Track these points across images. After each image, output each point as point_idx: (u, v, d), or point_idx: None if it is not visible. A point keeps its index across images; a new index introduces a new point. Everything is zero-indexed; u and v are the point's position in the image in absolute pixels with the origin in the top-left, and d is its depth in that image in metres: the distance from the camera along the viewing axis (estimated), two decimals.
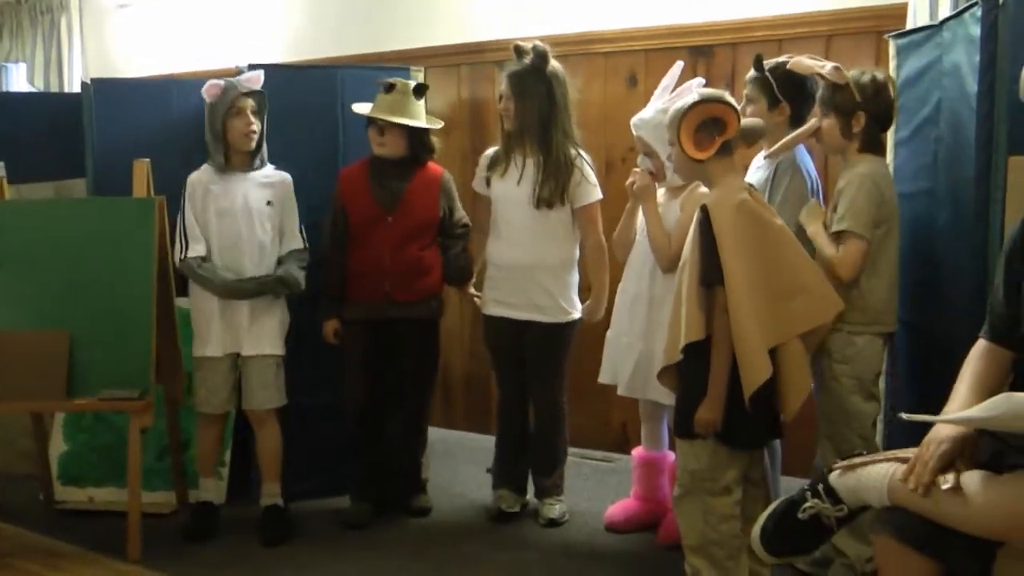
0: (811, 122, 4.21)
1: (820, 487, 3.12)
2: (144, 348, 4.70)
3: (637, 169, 4.59)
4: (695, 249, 3.73)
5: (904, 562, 2.87)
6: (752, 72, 4.42)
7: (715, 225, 3.67)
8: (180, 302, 5.14)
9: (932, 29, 4.28)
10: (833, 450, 4.00)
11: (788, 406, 3.80)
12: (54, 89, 8.70)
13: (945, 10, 4.46)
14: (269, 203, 4.94)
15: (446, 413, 6.73)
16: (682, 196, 4.48)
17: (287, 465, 5.07)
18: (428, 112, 5.13)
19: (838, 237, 3.98)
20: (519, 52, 4.84)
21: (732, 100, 3.83)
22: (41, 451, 5.29)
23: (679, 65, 4.64)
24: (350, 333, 5.03)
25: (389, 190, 4.94)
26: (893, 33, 4.64)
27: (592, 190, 4.87)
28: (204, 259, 4.87)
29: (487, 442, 5.72)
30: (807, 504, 3.12)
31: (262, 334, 4.91)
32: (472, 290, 5.27)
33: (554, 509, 5.08)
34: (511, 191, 4.88)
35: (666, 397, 4.23)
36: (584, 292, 5.04)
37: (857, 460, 3.07)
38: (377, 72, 5.17)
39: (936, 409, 2.99)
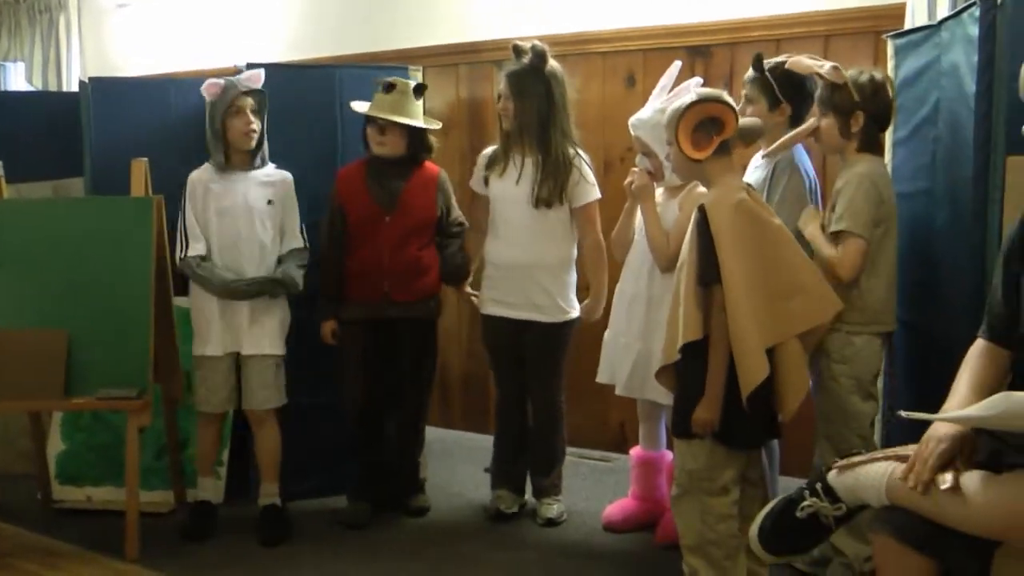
0: (809, 121, 4.21)
1: (818, 486, 3.12)
2: (142, 347, 4.69)
3: (635, 169, 4.59)
4: (693, 248, 3.73)
5: (903, 561, 2.87)
6: (751, 72, 4.42)
7: (713, 225, 3.67)
8: (180, 301, 5.14)
9: (930, 29, 4.28)
10: (831, 450, 4.00)
11: (786, 406, 3.80)
12: (52, 88, 8.69)
13: (943, 10, 4.46)
14: (270, 202, 4.93)
15: (444, 413, 6.73)
16: (680, 196, 4.48)
17: (286, 464, 5.07)
18: (426, 112, 5.14)
19: (836, 237, 3.98)
20: (517, 52, 4.84)
21: (730, 100, 3.83)
22: (39, 450, 5.28)
23: (677, 65, 4.65)
24: (349, 333, 5.02)
25: (388, 190, 4.93)
26: (891, 33, 4.64)
27: (590, 190, 4.88)
28: (204, 258, 4.87)
29: (485, 442, 5.72)
30: (805, 503, 3.12)
31: (262, 334, 4.90)
32: (469, 289, 5.27)
33: (552, 509, 5.08)
34: (510, 190, 4.88)
35: (664, 397, 4.24)
36: (582, 291, 5.04)
37: (856, 459, 3.07)
38: (375, 72, 5.17)
39: (935, 408, 2.99)
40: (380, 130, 4.90)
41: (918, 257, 4.23)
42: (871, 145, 4.08)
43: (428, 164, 5.09)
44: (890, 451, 3.04)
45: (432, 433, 5.54)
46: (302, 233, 5.01)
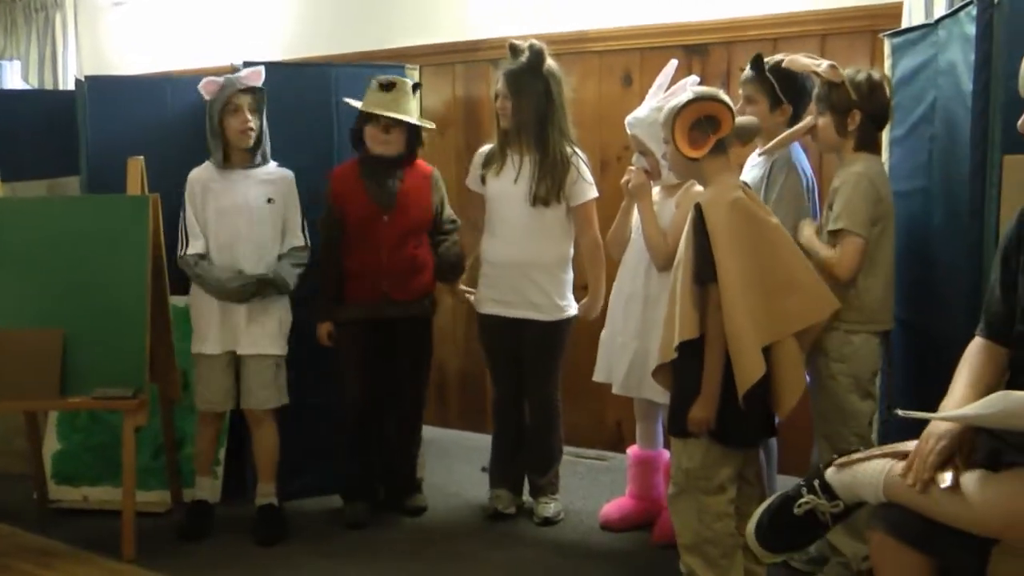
0: (806, 120, 4.21)
1: (816, 483, 3.12)
2: (138, 347, 4.70)
3: (632, 168, 4.58)
4: (689, 247, 3.73)
5: (900, 559, 2.87)
6: (749, 72, 4.41)
7: (709, 223, 3.67)
8: (177, 300, 5.13)
9: (927, 28, 4.28)
10: (830, 449, 3.99)
11: (783, 405, 3.80)
12: (48, 87, 8.68)
13: (940, 9, 4.47)
14: (270, 200, 4.92)
15: (441, 412, 6.72)
16: (678, 194, 4.48)
17: (283, 464, 5.06)
18: (420, 110, 5.15)
19: (834, 236, 3.98)
20: (514, 51, 4.84)
21: (726, 98, 3.83)
22: (35, 450, 5.27)
23: (673, 64, 4.64)
24: (347, 334, 5.02)
25: (385, 189, 4.93)
26: (888, 32, 4.64)
27: (588, 188, 4.87)
28: (202, 257, 4.86)
29: (482, 441, 5.72)
30: (803, 500, 3.12)
31: (260, 333, 4.89)
32: (463, 287, 5.27)
33: (549, 508, 5.08)
34: (507, 189, 4.87)
35: (661, 396, 4.23)
36: (580, 290, 5.04)
37: (855, 456, 3.07)
38: (372, 70, 5.15)
39: (932, 407, 3.00)
40: (384, 129, 4.89)
41: (915, 256, 4.23)
42: (868, 144, 4.08)
43: (420, 163, 5.10)
44: (888, 448, 3.03)
45: (429, 432, 5.53)
46: (304, 231, 5.00)
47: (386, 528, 5.05)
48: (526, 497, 5.24)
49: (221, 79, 4.86)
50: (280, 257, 4.95)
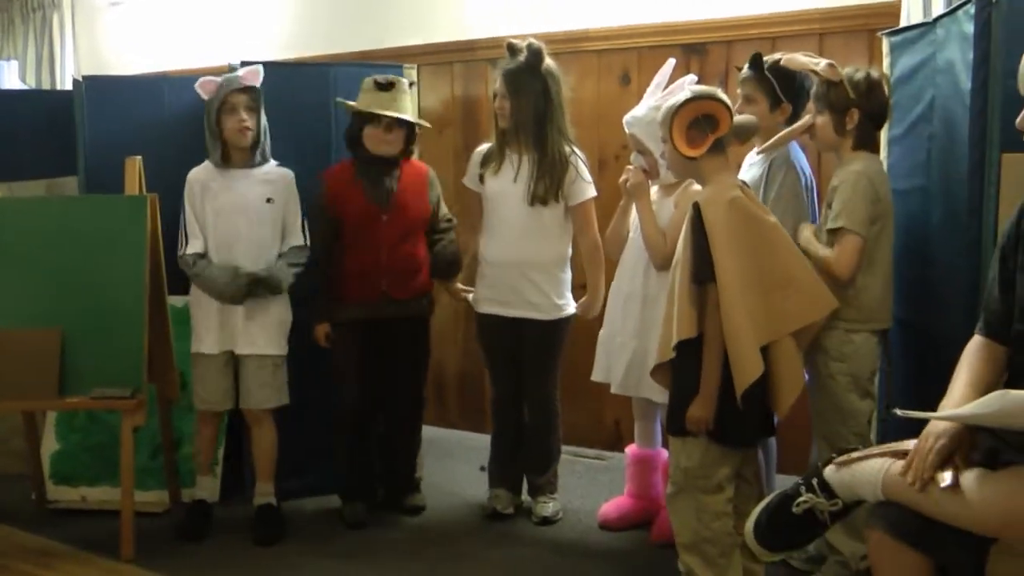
0: (805, 118, 4.20)
1: (814, 482, 3.12)
2: (136, 346, 4.70)
3: (630, 167, 4.58)
4: (687, 246, 3.73)
5: (898, 558, 2.87)
6: (748, 71, 4.41)
7: (707, 222, 3.67)
8: (174, 300, 5.13)
9: (925, 26, 4.28)
10: (828, 448, 3.98)
11: (781, 404, 3.80)
12: (46, 87, 8.68)
13: (938, 7, 4.47)
14: (269, 200, 4.91)
15: (440, 411, 6.72)
16: (676, 193, 4.48)
17: (281, 463, 5.06)
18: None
19: (833, 235, 3.98)
20: (512, 50, 4.84)
21: (724, 97, 3.83)
22: (33, 450, 5.26)
23: (671, 63, 4.64)
24: (345, 334, 5.00)
25: (382, 189, 4.92)
26: (886, 31, 4.64)
27: (587, 187, 4.87)
28: (201, 256, 4.86)
29: (481, 440, 5.72)
30: (801, 498, 3.12)
31: (258, 333, 4.88)
32: (460, 285, 5.27)
33: (547, 507, 5.08)
34: (506, 188, 4.87)
35: (659, 395, 4.23)
36: (579, 290, 5.03)
37: (854, 455, 3.07)
38: (370, 70, 5.14)
39: (931, 405, 2.99)
40: (387, 129, 4.89)
41: (914, 255, 4.23)
42: (866, 142, 4.08)
43: (415, 162, 5.11)
44: (886, 447, 3.03)
45: (428, 432, 5.52)
46: (304, 231, 4.99)
47: (385, 528, 5.05)
48: (525, 496, 5.24)
49: (219, 79, 4.86)
50: (280, 257, 4.94)
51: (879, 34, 4.72)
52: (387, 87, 4.88)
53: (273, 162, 4.99)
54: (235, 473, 5.28)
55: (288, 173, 4.99)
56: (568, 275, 4.99)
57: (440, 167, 5.29)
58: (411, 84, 5.03)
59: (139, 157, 4.99)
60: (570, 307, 4.99)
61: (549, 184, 4.79)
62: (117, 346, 4.71)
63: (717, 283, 3.63)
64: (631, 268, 4.66)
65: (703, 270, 3.65)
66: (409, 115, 4.92)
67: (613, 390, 4.74)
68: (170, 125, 5.42)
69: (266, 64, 5.04)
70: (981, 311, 3.15)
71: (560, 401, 5.12)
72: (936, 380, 3.22)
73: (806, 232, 4.12)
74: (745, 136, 4.01)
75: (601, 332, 4.82)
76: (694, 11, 5.71)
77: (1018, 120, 3.00)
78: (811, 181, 4.42)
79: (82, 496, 5.32)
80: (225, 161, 4.90)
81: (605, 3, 6.01)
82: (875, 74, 4.06)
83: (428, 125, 5.10)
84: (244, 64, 4.99)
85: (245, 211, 4.86)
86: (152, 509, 5.18)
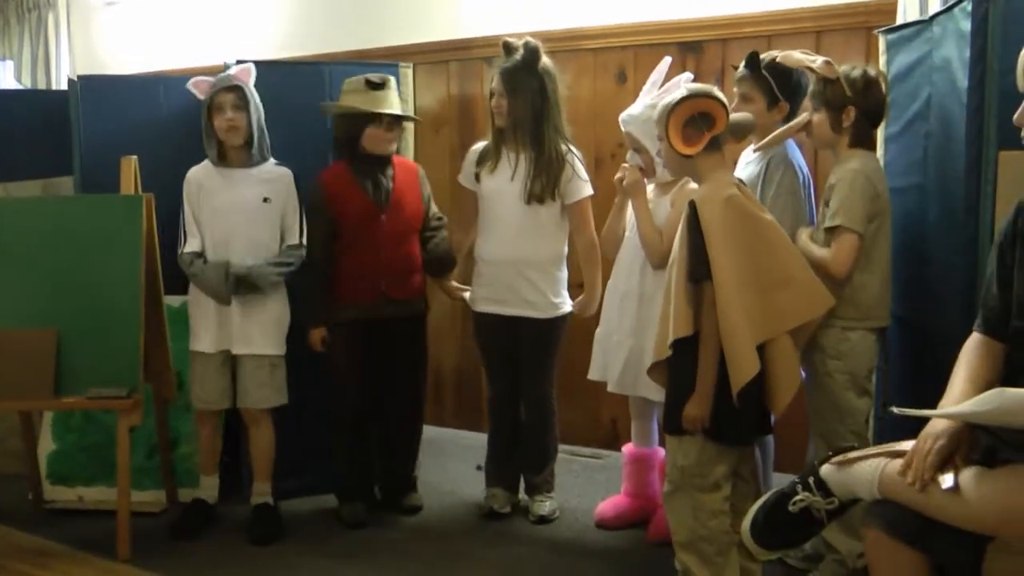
0: (802, 116, 4.20)
1: (811, 480, 3.12)
2: (132, 346, 4.70)
3: (626, 165, 4.58)
4: (683, 244, 3.72)
5: (895, 556, 2.87)
6: (744, 70, 4.40)
7: (703, 220, 3.67)
8: (170, 299, 5.14)
9: (922, 24, 4.28)
10: (826, 447, 3.98)
11: (777, 402, 3.80)
12: (41, 87, 8.67)
13: (935, 5, 4.46)
14: (266, 200, 4.89)
15: (437, 411, 6.71)
16: (672, 191, 4.48)
17: (280, 463, 5.06)
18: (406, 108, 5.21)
19: (831, 233, 3.97)
20: (508, 49, 4.83)
21: (720, 95, 3.83)
22: (30, 450, 5.27)
23: (667, 60, 4.64)
24: (343, 336, 4.98)
25: (380, 188, 4.92)
26: (883, 28, 4.64)
27: (583, 186, 4.87)
28: (198, 255, 4.85)
29: (477, 439, 5.72)
30: (798, 497, 3.12)
31: (256, 333, 4.87)
32: (454, 283, 5.27)
33: (544, 506, 5.08)
34: (503, 187, 4.86)
35: (656, 393, 4.24)
36: (576, 288, 5.03)
37: (852, 454, 3.06)
38: (365, 68, 5.14)
39: (928, 403, 2.99)
40: (388, 127, 4.90)
41: (911, 252, 4.23)
42: (863, 140, 4.08)
43: (404, 160, 5.14)
44: (883, 448, 3.03)
45: (424, 431, 5.50)
46: (301, 230, 4.96)
47: (382, 527, 5.05)
48: (521, 495, 5.24)
49: (211, 78, 4.86)
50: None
51: (876, 32, 4.72)
52: (380, 86, 4.88)
53: (272, 161, 4.98)
54: (233, 473, 5.27)
55: (287, 172, 4.97)
56: (564, 273, 4.99)
57: (436, 166, 5.29)
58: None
59: (135, 157, 4.99)
60: (567, 305, 4.98)
61: (546, 182, 4.79)
62: (113, 346, 4.71)
63: (713, 281, 3.63)
64: (627, 266, 4.66)
65: (699, 268, 3.65)
66: (408, 112, 4.91)
67: (610, 389, 4.74)
68: (166, 125, 5.41)
69: (263, 63, 5.05)
70: (979, 308, 3.14)
71: (557, 400, 5.12)
72: (933, 378, 3.22)
73: (803, 236, 4.12)
74: (742, 134, 4.01)
75: (598, 331, 4.82)
76: (690, 9, 5.70)
77: (1016, 116, 3.00)
78: (808, 179, 4.42)
79: (79, 496, 5.31)
80: (223, 160, 4.89)
81: (601, 1, 6.01)
82: (872, 72, 4.05)
83: (421, 120, 5.08)
84: (240, 63, 4.98)
85: (242, 210, 4.85)
86: (148, 509, 5.18)
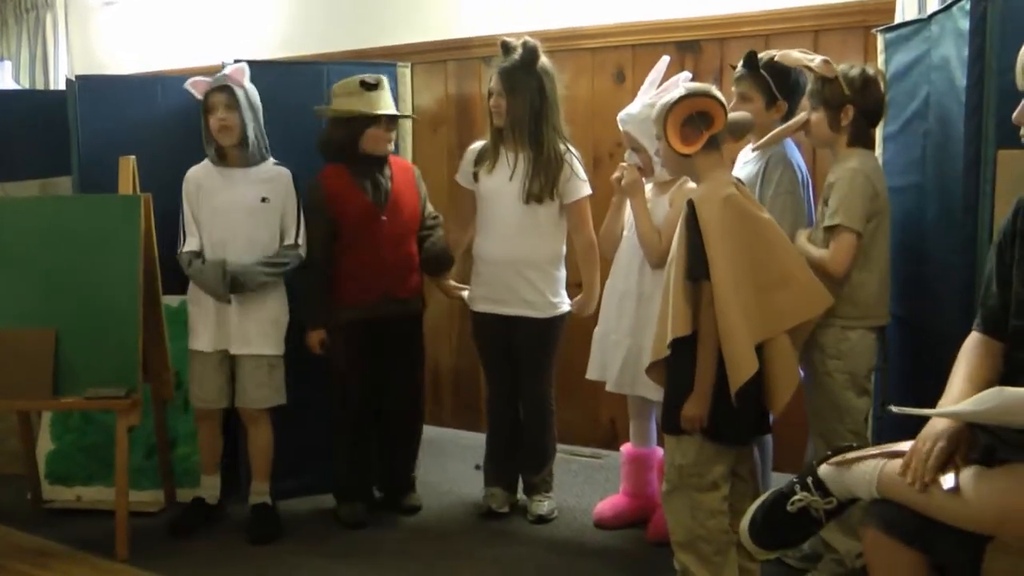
0: (800, 115, 4.20)
1: (809, 480, 3.12)
2: (130, 346, 4.69)
3: (624, 164, 4.58)
4: (682, 244, 3.72)
5: (893, 556, 2.86)
6: (742, 70, 4.40)
7: (701, 219, 3.67)
8: (168, 299, 5.14)
9: (920, 23, 4.27)
10: (825, 447, 3.97)
11: (776, 402, 3.80)
12: (39, 87, 8.68)
13: (933, 4, 4.46)
14: (264, 199, 4.88)
15: (435, 410, 6.69)
16: (671, 191, 4.48)
17: (279, 462, 5.06)
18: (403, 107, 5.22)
19: (830, 232, 3.97)
20: (506, 48, 4.83)
21: (719, 94, 3.83)
22: (28, 450, 5.27)
23: (665, 60, 4.64)
24: (343, 337, 4.97)
25: (381, 188, 4.92)
26: (881, 27, 4.64)
27: (582, 185, 4.86)
28: (197, 255, 4.85)
29: (476, 439, 5.72)
30: (796, 496, 3.12)
31: (254, 333, 4.87)
32: (452, 282, 5.27)
33: (543, 506, 5.08)
34: (501, 186, 4.86)
35: (654, 393, 4.23)
36: (574, 288, 5.03)
37: (850, 455, 3.06)
38: (363, 68, 5.13)
39: (927, 403, 2.99)
40: (387, 127, 4.90)
41: (909, 252, 4.22)
42: (861, 139, 4.07)
43: (399, 159, 5.15)
44: (881, 448, 3.02)
45: (423, 431, 5.51)
46: (298, 231, 4.94)
47: (380, 527, 5.04)
48: (520, 495, 5.23)
49: (209, 79, 4.86)
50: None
51: (874, 31, 4.71)
52: (375, 86, 4.87)
53: (271, 161, 4.97)
54: (231, 472, 5.26)
55: (285, 172, 4.96)
56: (563, 273, 4.99)
57: (434, 165, 5.28)
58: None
59: (133, 156, 4.99)
60: (565, 305, 4.98)
61: (544, 182, 4.78)
62: (111, 346, 4.71)
63: (711, 280, 3.63)
64: (626, 266, 4.65)
65: (697, 267, 3.65)
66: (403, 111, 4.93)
67: (608, 388, 4.74)
68: (164, 124, 5.41)
69: (261, 63, 5.05)
70: (978, 307, 3.14)
71: (555, 399, 5.12)
72: (932, 377, 3.22)
73: (801, 237, 4.11)
74: (740, 133, 4.01)
75: (596, 330, 4.82)
76: (688, 8, 5.70)
77: (1015, 114, 3.00)
78: (807, 178, 4.41)
79: (77, 496, 5.31)
80: (222, 160, 4.89)
81: (599, 1, 6.00)
82: (870, 70, 4.04)
83: (418, 118, 5.08)
84: (237, 63, 4.98)
85: (240, 210, 4.84)
86: (147, 509, 5.17)
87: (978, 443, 2.86)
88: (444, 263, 5.14)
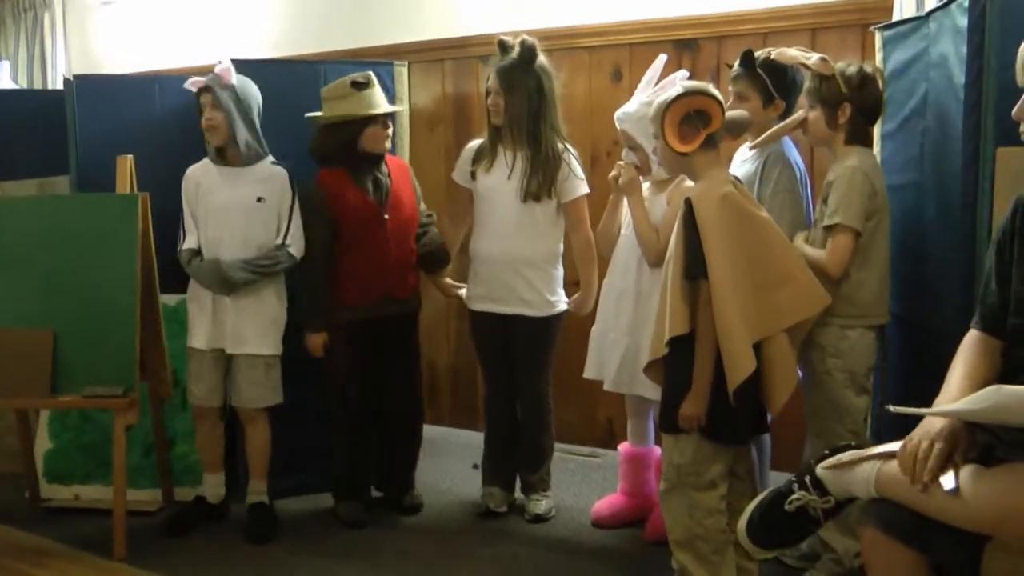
0: (798, 113, 4.20)
1: (807, 479, 3.11)
2: (128, 345, 4.69)
3: (621, 163, 4.57)
4: (679, 242, 3.72)
5: (891, 555, 2.86)
6: (739, 69, 4.39)
7: (699, 218, 3.67)
8: (166, 298, 5.14)
9: (918, 20, 4.27)
10: (823, 446, 3.94)
11: (774, 401, 3.80)
12: (37, 86, 8.68)
13: (931, 1, 4.46)
14: (260, 199, 4.86)
15: (433, 409, 6.69)
16: (668, 189, 4.48)
17: (275, 461, 5.05)
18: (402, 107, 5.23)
19: (829, 231, 3.96)
20: (504, 47, 4.83)
21: (716, 92, 3.82)
22: (26, 449, 5.27)
23: (662, 58, 4.63)
24: (343, 337, 4.95)
25: (381, 187, 4.92)
26: (879, 25, 4.64)
27: (579, 184, 4.86)
28: (196, 253, 4.86)
29: (474, 438, 5.72)
30: (794, 496, 3.11)
31: (251, 332, 4.86)
32: (449, 280, 5.27)
33: (540, 505, 5.07)
34: (499, 185, 4.86)
35: (652, 392, 4.23)
36: (572, 287, 5.02)
37: (846, 457, 3.05)
38: (361, 67, 5.12)
39: (926, 402, 2.98)
40: (384, 125, 4.89)
41: (907, 250, 4.22)
42: (859, 137, 4.06)
43: (394, 158, 5.16)
44: (878, 449, 3.02)
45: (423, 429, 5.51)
46: (288, 231, 4.91)
47: (378, 526, 5.04)
48: (518, 494, 5.23)
49: (201, 79, 4.87)
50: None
51: (872, 29, 4.71)
52: (367, 85, 4.86)
53: (269, 159, 4.96)
54: (229, 471, 5.25)
55: (282, 172, 4.94)
56: (560, 272, 4.99)
57: (431, 164, 5.27)
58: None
59: (130, 156, 4.98)
60: (562, 304, 4.98)
61: (542, 180, 4.78)
62: (109, 345, 4.71)
63: (709, 279, 3.63)
64: (623, 265, 4.65)
65: (695, 266, 3.65)
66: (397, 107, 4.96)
67: (606, 387, 4.73)
68: (161, 124, 5.43)
69: (257, 62, 5.04)
70: (977, 305, 3.14)
71: (553, 398, 5.12)
72: (930, 375, 3.21)
73: (798, 239, 4.11)
74: (738, 131, 4.01)
75: (594, 329, 4.82)
76: (685, 7, 5.70)
77: (1015, 110, 2.99)
78: (805, 176, 4.41)
79: (75, 495, 5.31)
80: (222, 159, 4.89)
81: None
82: (868, 68, 4.03)
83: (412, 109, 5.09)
84: (234, 63, 4.97)
85: (236, 209, 4.83)
86: (145, 508, 5.17)
87: (976, 442, 2.85)
88: (441, 260, 5.14)
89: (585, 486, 5.52)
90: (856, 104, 3.98)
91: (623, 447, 5.01)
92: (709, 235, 3.63)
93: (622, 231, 4.68)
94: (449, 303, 5.99)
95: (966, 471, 2.74)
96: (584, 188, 4.88)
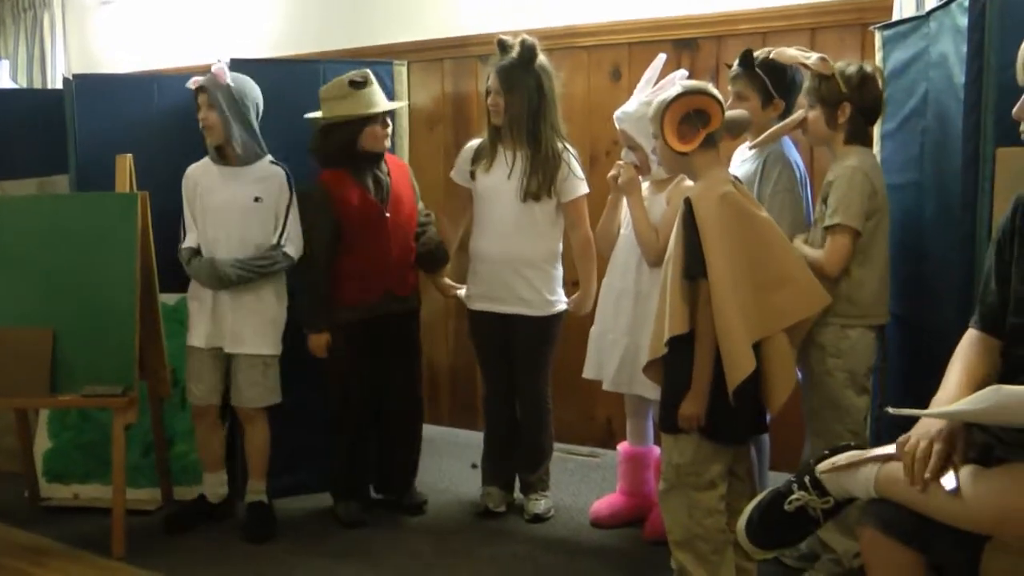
0: (797, 113, 4.19)
1: (806, 479, 3.11)
2: (127, 344, 4.69)
3: (620, 162, 4.57)
4: (679, 242, 3.72)
5: (890, 555, 2.86)
6: (738, 68, 4.39)
7: (698, 218, 3.66)
8: (165, 298, 5.14)
9: (918, 20, 4.26)
10: (823, 446, 3.94)
11: (773, 401, 3.79)
12: (37, 86, 8.68)
13: (931, 1, 4.45)
14: (257, 199, 4.86)
15: (432, 409, 6.67)
16: (668, 189, 4.47)
17: (274, 460, 5.05)
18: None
19: (829, 231, 3.96)
20: (503, 47, 4.82)
21: (716, 92, 3.82)
22: (26, 448, 5.27)
23: (661, 57, 4.63)
24: (344, 337, 4.94)
25: (383, 186, 4.92)
26: (879, 24, 4.63)
27: (579, 184, 4.86)
28: (196, 252, 4.86)
29: (473, 437, 5.72)
30: (793, 496, 3.11)
31: (250, 332, 4.85)
32: (448, 280, 5.26)
33: (539, 504, 5.07)
34: (499, 185, 4.85)
35: (651, 391, 4.23)
36: (570, 286, 5.02)
37: (843, 460, 3.05)
38: (360, 66, 5.11)
39: (925, 401, 2.98)
40: (383, 123, 4.89)
41: (907, 250, 4.22)
42: (859, 137, 4.06)
43: (392, 157, 5.16)
44: (877, 451, 3.01)
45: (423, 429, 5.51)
46: (284, 231, 4.90)
47: (376, 526, 5.04)
48: (517, 494, 5.23)
49: (200, 79, 4.87)
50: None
51: (871, 28, 4.71)
52: (364, 84, 4.85)
53: (268, 159, 4.95)
54: (228, 471, 5.24)
55: (280, 172, 4.93)
56: (559, 271, 4.98)
57: (431, 163, 5.26)
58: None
59: (130, 155, 4.99)
60: (562, 303, 4.98)
61: (542, 180, 4.78)
62: (108, 344, 4.71)
63: (708, 278, 3.63)
64: (623, 264, 4.65)
65: (694, 266, 3.64)
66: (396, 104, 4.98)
67: (605, 387, 4.73)
68: (161, 123, 5.42)
69: (255, 61, 5.03)
70: (976, 305, 3.13)
71: (552, 398, 5.11)
72: (930, 375, 3.21)
73: (797, 241, 4.10)
74: (737, 131, 4.01)
75: (593, 329, 4.82)
76: (685, 6, 5.69)
77: (1015, 110, 2.99)
78: (805, 176, 4.40)
79: (74, 494, 5.31)
80: (222, 159, 4.89)
81: None
82: (868, 68, 4.03)
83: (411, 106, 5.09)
84: (233, 62, 4.98)
85: (233, 209, 4.83)
86: (144, 507, 5.17)
87: (974, 442, 2.85)
88: (440, 259, 5.14)
89: (584, 486, 5.52)
90: (856, 104, 3.98)
91: (622, 447, 5.01)
92: (709, 235, 3.63)
93: (621, 231, 4.68)
94: (448, 303, 5.98)
95: (965, 471, 2.74)
96: (584, 188, 4.88)
